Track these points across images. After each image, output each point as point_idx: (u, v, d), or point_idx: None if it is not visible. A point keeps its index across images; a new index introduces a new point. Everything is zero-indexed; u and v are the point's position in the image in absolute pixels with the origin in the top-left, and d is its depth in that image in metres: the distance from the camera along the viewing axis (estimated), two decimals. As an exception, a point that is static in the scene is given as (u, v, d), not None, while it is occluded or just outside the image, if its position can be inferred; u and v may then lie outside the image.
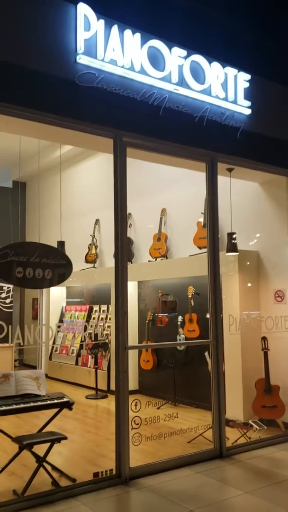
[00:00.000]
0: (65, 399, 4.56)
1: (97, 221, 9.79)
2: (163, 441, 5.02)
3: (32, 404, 4.35)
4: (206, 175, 5.40)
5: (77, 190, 10.62)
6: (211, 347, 5.20)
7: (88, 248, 9.76)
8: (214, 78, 5.34)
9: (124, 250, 4.64)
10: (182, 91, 5.07)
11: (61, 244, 6.58)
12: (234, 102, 5.53)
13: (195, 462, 4.87)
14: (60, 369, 9.96)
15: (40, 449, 4.35)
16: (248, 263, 6.57)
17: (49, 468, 4.42)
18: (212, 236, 5.34)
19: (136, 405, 4.75)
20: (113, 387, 8.54)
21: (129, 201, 9.24)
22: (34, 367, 11.27)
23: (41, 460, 4.25)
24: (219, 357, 5.18)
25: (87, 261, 9.66)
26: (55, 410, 4.66)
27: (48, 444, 4.36)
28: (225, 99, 5.45)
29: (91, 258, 9.60)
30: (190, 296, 7.41)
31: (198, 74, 5.23)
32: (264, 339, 6.13)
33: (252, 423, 5.73)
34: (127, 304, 4.60)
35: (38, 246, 4.48)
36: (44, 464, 4.34)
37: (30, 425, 5.90)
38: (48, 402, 4.46)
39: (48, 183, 11.54)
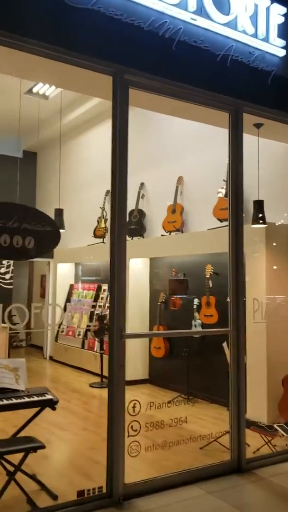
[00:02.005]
0: (47, 396, 3.72)
1: (107, 192, 8.85)
2: (170, 446, 4.16)
3: (4, 402, 3.51)
4: (229, 129, 4.42)
5: (87, 159, 9.72)
6: (230, 338, 4.29)
7: (97, 221, 8.88)
8: (241, 9, 4.33)
9: (122, 215, 3.75)
10: (201, 22, 4.08)
11: (59, 212, 5.69)
12: (265, 40, 4.51)
13: (208, 477, 4.00)
14: (66, 352, 9.19)
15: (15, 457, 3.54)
16: (278, 238, 5.59)
17: (25, 479, 3.61)
18: (235, 204, 4.40)
19: (134, 407, 3.87)
20: (120, 375, 7.78)
21: (141, 169, 8.56)
22: (41, 348, 10.56)
23: (12, 473, 3.43)
24: (240, 350, 4.28)
25: (95, 236, 8.80)
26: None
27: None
28: (255, 35, 4.44)
29: (100, 233, 8.72)
30: (208, 276, 6.48)
31: (221, 2, 4.22)
32: (293, 328, 5.20)
33: (278, 428, 4.84)
34: (125, 285, 3.71)
35: (18, 208, 3.59)
36: (21, 473, 3.54)
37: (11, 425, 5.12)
38: (26, 399, 3.62)
39: (57, 153, 10.67)
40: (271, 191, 5.81)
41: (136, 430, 3.80)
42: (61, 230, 5.74)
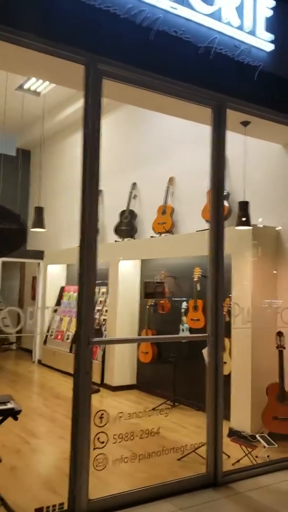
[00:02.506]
0: (8, 406, 3.50)
1: (100, 192, 8.65)
2: (147, 457, 3.94)
3: None
4: (211, 125, 4.21)
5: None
6: (208, 344, 4.07)
7: (89, 222, 8.66)
8: (226, 0, 4.13)
9: (93, 213, 3.54)
10: (182, 11, 3.89)
11: (39, 211, 5.48)
12: (252, 33, 4.31)
13: (181, 492, 3.78)
14: (54, 356, 8.98)
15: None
16: (265, 241, 5.38)
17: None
18: (216, 203, 4.18)
19: (101, 417, 3.65)
20: (108, 379, 7.57)
21: (134, 169, 8.40)
22: (31, 351, 10.36)
23: None
24: (218, 357, 4.05)
25: (86, 237, 8.56)
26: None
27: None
28: (240, 28, 4.23)
29: (90, 234, 8.49)
30: (196, 279, 6.27)
31: (204, -9, 4.03)
32: (279, 334, 4.97)
33: (260, 438, 4.61)
34: (94, 289, 3.50)
35: (-20, 205, 3.40)
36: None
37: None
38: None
39: (51, 151, 10.52)
40: (263, 193, 5.61)
41: (103, 442, 3.58)
42: (40, 230, 5.60)
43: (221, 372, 4.05)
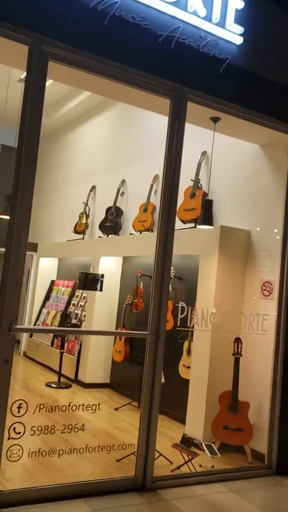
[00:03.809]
0: None
1: (93, 187, 8.60)
2: (85, 455, 3.82)
3: None
4: (169, 117, 4.07)
5: (77, 154, 9.52)
6: (147, 343, 3.92)
7: (79, 217, 8.61)
8: (192, -12, 3.99)
9: (25, 196, 3.43)
10: (142, -3, 3.76)
11: (8, 198, 5.41)
12: (221, 25, 4.15)
13: (103, 493, 3.64)
14: (37, 349, 8.94)
15: None
16: (234, 244, 5.20)
17: None
18: (168, 201, 4.05)
19: (20, 407, 3.54)
20: (81, 376, 7.46)
21: (123, 165, 8.30)
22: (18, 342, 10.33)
23: None
24: (158, 357, 3.90)
25: (75, 231, 8.51)
26: None
27: None
28: (208, 19, 4.08)
29: (80, 228, 8.44)
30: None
31: (169, -22, 3.90)
32: (237, 341, 4.78)
33: (204, 447, 4.43)
34: (22, 273, 3.39)
35: None
36: None
37: None
38: None
39: (51, 146, 10.51)
40: (236, 193, 5.44)
41: (19, 433, 3.47)
42: (5, 217, 5.53)
43: (159, 372, 3.90)
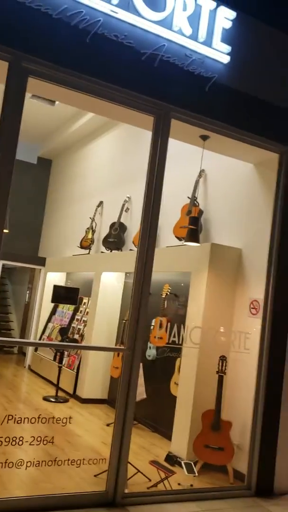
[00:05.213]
0: None
1: (100, 203, 8.70)
2: (64, 468, 3.83)
3: None
4: (153, 133, 4.12)
5: (86, 171, 9.69)
6: (124, 357, 3.91)
7: (86, 232, 8.70)
8: (178, 7, 4.07)
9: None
10: (124, 16, 3.85)
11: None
12: (207, 44, 4.21)
13: (71, 507, 3.61)
14: (40, 363, 8.98)
15: None
16: (224, 261, 5.17)
17: None
18: (149, 215, 4.07)
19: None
20: (79, 391, 7.46)
21: (129, 182, 8.36)
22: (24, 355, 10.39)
23: None
24: (133, 372, 3.88)
25: (81, 246, 8.60)
26: None
27: None
28: (194, 38, 4.15)
29: (86, 243, 8.52)
30: (163, 296, 6.09)
31: (154, -1, 3.98)
32: (222, 359, 4.73)
33: (183, 465, 4.37)
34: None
35: None
36: None
37: None
38: None
39: (67, 161, 10.73)
40: (229, 212, 5.43)
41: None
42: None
43: (134, 388, 3.88)
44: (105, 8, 3.77)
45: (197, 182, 5.98)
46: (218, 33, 4.25)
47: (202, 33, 4.18)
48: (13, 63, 3.52)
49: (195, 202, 5.92)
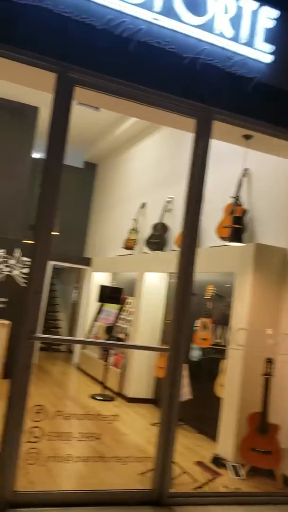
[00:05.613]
0: None
1: (143, 204, 8.79)
2: (110, 465, 3.95)
3: None
4: (195, 135, 4.15)
5: (130, 173, 9.80)
6: (168, 358, 3.96)
7: (129, 233, 8.81)
8: (219, 11, 4.08)
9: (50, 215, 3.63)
10: (166, 22, 3.89)
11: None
12: (249, 44, 4.20)
13: (117, 503, 3.70)
14: (88, 362, 9.16)
15: None
16: (270, 262, 5.14)
17: None
18: (191, 217, 4.10)
19: (38, 412, 3.70)
20: (125, 390, 7.56)
21: (172, 184, 8.40)
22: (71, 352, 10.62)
23: None
24: (177, 372, 3.93)
25: (125, 247, 8.72)
26: None
27: None
28: (235, 39, 4.14)
29: (129, 244, 8.64)
30: (208, 297, 6.11)
31: (195, 3, 4.01)
32: (269, 361, 4.70)
33: (230, 468, 4.38)
34: (42, 283, 3.57)
35: None
36: None
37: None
38: None
39: (112, 165, 10.88)
40: (276, 211, 5.39)
41: (38, 437, 3.63)
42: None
43: (178, 387, 3.93)
44: (148, 16, 3.82)
45: (241, 181, 5.96)
46: (260, 33, 4.23)
47: (244, 34, 4.17)
48: (60, 74, 3.64)
49: (239, 201, 5.90)
